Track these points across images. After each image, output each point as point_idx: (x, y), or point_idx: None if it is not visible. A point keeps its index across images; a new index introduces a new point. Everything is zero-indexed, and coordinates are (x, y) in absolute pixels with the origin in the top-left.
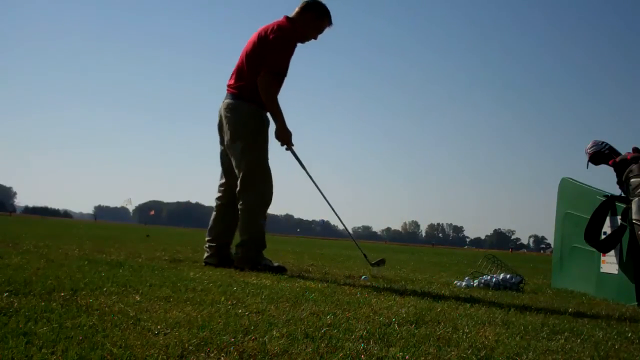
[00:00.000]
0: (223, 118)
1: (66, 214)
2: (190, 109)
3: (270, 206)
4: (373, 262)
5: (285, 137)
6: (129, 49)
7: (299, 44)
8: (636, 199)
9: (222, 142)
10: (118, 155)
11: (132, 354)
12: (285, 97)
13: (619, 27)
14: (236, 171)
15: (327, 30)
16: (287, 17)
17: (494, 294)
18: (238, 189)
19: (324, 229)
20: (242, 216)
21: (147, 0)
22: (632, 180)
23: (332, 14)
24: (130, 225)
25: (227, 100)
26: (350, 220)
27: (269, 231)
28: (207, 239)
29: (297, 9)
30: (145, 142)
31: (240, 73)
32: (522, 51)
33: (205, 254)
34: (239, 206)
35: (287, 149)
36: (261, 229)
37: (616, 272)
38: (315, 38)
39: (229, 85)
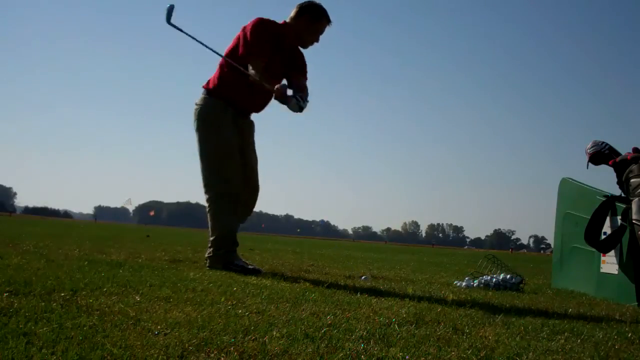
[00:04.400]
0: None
1: (66, 214)
2: (191, 109)
3: (271, 206)
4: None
5: (278, 92)
6: (129, 49)
7: (305, 50)
8: (636, 199)
9: None
10: (118, 155)
11: (132, 354)
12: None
13: (619, 26)
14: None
15: (328, 29)
16: (285, 22)
17: (494, 294)
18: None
19: (323, 229)
20: (208, 215)
21: (146, 1)
22: (632, 180)
23: (331, 12)
24: (130, 226)
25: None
26: (351, 220)
27: (269, 231)
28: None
29: (292, 14)
30: (145, 142)
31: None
32: (522, 51)
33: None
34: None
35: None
36: (226, 226)
37: (616, 272)
38: (316, 41)
39: None
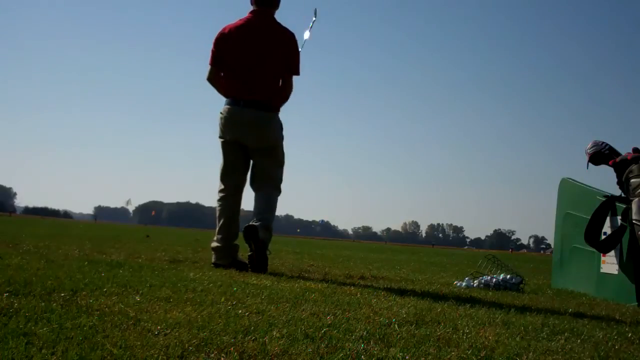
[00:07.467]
0: None
1: (66, 215)
2: (191, 109)
3: None
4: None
5: None
6: (128, 48)
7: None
8: (636, 199)
9: None
10: (118, 155)
11: (132, 354)
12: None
13: (619, 26)
14: None
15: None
16: None
17: (494, 294)
18: None
19: (323, 229)
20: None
21: (147, 1)
22: (632, 180)
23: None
24: (130, 226)
25: None
26: (351, 220)
27: None
28: None
29: None
30: (145, 142)
31: None
32: (522, 51)
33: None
34: None
35: None
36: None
37: (616, 272)
38: None
39: None
